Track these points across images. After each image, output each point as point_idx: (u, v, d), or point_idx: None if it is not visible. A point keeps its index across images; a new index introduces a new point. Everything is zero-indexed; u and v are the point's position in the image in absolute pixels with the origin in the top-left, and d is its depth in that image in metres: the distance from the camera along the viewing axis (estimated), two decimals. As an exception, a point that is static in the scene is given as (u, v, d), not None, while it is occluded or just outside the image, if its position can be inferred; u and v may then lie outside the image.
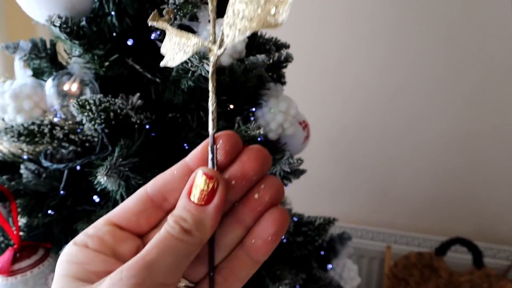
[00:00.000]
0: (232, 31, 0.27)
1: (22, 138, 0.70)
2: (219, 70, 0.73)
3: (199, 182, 0.27)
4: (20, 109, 0.73)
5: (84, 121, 0.65)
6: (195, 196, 0.27)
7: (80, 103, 0.63)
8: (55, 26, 0.61)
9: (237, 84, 0.72)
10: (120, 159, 0.61)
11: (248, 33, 0.26)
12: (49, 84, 0.72)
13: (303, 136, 0.98)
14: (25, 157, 0.75)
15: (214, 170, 0.27)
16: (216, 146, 0.28)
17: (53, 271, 0.67)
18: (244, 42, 0.73)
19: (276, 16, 0.26)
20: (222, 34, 0.28)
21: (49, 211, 0.71)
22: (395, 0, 1.62)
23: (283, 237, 0.92)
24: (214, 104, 0.29)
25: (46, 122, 0.71)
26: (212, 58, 0.29)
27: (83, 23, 0.67)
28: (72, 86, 0.73)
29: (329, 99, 1.81)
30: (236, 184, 0.28)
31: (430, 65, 1.65)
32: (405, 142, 1.77)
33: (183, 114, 0.76)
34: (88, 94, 0.75)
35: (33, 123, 0.70)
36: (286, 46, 0.85)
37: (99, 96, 0.65)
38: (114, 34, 0.70)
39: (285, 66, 0.83)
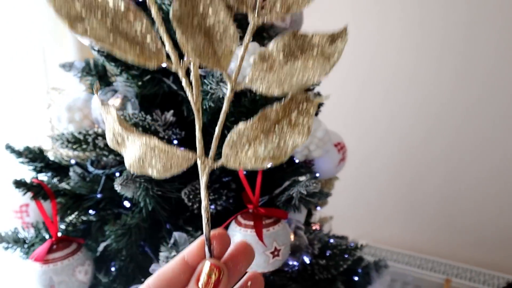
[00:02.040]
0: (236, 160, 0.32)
1: (70, 145, 0.80)
2: (239, 92, 0.76)
3: (207, 271, 0.31)
4: (72, 119, 0.84)
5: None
6: (203, 283, 0.31)
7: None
8: (94, 49, 0.70)
9: (257, 106, 0.75)
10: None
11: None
12: (95, 99, 0.82)
13: (338, 158, 0.97)
14: (73, 162, 0.86)
15: (220, 262, 0.32)
16: (212, 246, 0.32)
17: (81, 264, 0.75)
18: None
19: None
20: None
21: (90, 211, 0.81)
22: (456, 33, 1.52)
23: (307, 258, 0.92)
24: (206, 207, 0.32)
25: (90, 132, 0.81)
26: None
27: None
28: (115, 102, 0.82)
29: (395, 125, 1.75)
30: (229, 274, 0.33)
31: (499, 90, 1.52)
32: (472, 171, 1.64)
33: (209, 132, 0.81)
34: (129, 109, 0.84)
35: (80, 133, 0.80)
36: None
37: (131, 112, 0.73)
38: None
39: (313, 88, 0.84)
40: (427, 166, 1.73)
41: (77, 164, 0.84)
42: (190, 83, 0.31)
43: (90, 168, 0.86)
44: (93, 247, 0.83)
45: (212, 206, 0.80)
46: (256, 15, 0.30)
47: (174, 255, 0.71)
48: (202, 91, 0.72)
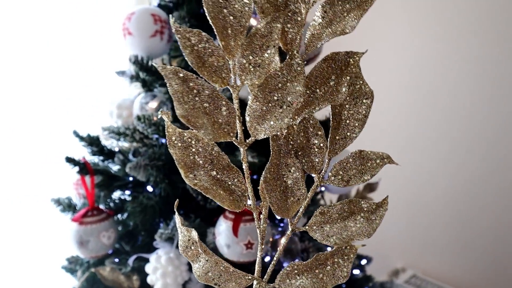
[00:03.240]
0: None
1: (115, 135, 1.00)
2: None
3: None
4: (120, 115, 1.05)
5: (141, 129, 0.90)
6: None
7: (139, 116, 0.89)
8: (130, 61, 0.89)
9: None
10: (148, 160, 0.84)
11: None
12: (137, 100, 1.01)
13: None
14: (117, 149, 1.06)
15: None
16: None
17: (106, 230, 0.94)
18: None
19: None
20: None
21: (119, 190, 1.00)
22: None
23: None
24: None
25: (131, 127, 1.00)
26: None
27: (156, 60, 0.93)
28: (152, 104, 1.00)
29: (454, 155, 1.70)
30: None
31: None
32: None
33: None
34: (164, 111, 1.02)
35: (123, 126, 1.01)
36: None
37: (153, 113, 0.90)
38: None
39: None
40: (484, 204, 1.64)
41: (120, 152, 1.05)
42: (259, 222, 0.41)
43: (130, 157, 1.05)
44: (122, 221, 1.03)
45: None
46: (320, 178, 0.41)
47: (167, 232, 0.85)
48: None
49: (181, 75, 0.37)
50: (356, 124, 0.40)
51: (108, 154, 1.09)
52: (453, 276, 1.75)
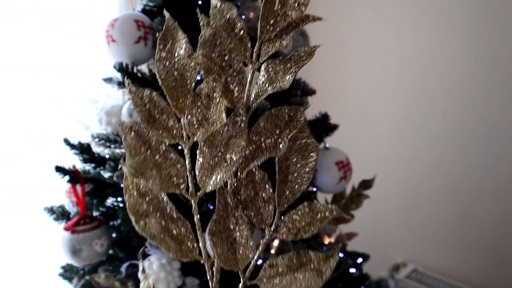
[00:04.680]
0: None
1: (104, 142, 1.00)
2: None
3: None
4: (109, 122, 1.04)
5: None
6: None
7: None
8: (115, 68, 0.88)
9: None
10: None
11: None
12: (125, 106, 1.01)
13: (338, 176, 1.03)
14: (107, 156, 1.06)
15: None
16: None
17: (98, 238, 0.94)
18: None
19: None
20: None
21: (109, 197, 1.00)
22: None
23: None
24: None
25: (120, 133, 1.00)
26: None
27: (141, 67, 0.93)
28: (140, 110, 1.00)
29: (453, 148, 1.69)
30: None
31: None
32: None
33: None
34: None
35: (112, 134, 1.00)
36: (313, 92, 0.94)
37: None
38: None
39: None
40: (482, 197, 1.63)
41: (111, 159, 1.05)
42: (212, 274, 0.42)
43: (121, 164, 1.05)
44: (116, 227, 1.03)
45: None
46: (270, 232, 0.42)
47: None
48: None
49: (135, 130, 0.40)
50: (304, 177, 0.42)
51: (100, 161, 1.09)
52: (454, 270, 1.74)
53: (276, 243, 0.95)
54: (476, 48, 1.58)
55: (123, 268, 0.90)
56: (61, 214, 1.05)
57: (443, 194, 1.75)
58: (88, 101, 1.18)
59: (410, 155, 1.80)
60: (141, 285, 0.88)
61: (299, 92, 0.94)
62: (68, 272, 1.07)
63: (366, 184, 1.30)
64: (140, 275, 0.88)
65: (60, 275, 1.11)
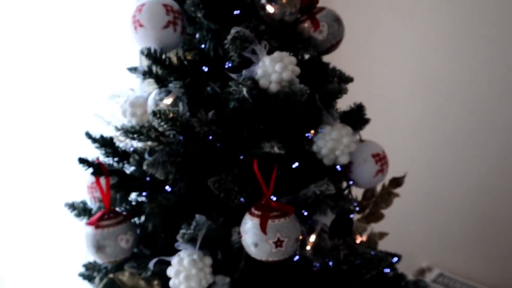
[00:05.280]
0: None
1: (129, 135, 0.96)
2: (266, 96, 0.83)
3: None
4: (134, 114, 1.00)
5: (156, 126, 0.86)
6: None
7: (155, 111, 0.84)
8: (143, 54, 0.84)
9: (280, 111, 0.82)
10: (166, 156, 0.79)
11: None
12: (151, 97, 0.96)
13: (375, 169, 0.97)
14: (131, 149, 1.01)
15: None
16: None
17: (124, 233, 0.89)
18: (292, 72, 0.81)
19: None
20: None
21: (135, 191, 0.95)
22: None
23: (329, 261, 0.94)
24: None
25: (146, 125, 0.95)
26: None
27: (169, 54, 0.89)
28: (167, 100, 0.96)
29: (478, 151, 1.64)
30: None
31: None
32: None
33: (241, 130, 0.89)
34: (180, 107, 0.97)
35: (138, 125, 0.96)
36: (350, 80, 0.89)
37: (169, 109, 0.85)
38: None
39: (339, 97, 0.87)
40: (509, 201, 1.57)
41: (135, 152, 1.00)
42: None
43: (146, 156, 1.00)
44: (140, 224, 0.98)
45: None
46: None
47: (190, 232, 0.80)
48: (228, 92, 0.82)
49: None
50: None
51: (123, 155, 1.04)
52: (482, 274, 1.67)
53: (312, 238, 0.89)
54: (499, 44, 1.53)
55: (151, 264, 0.85)
56: (82, 210, 1.00)
57: (469, 196, 1.69)
58: (109, 96, 1.15)
59: (435, 157, 1.75)
60: (171, 282, 0.83)
61: (336, 79, 0.89)
62: (90, 271, 1.02)
63: (397, 181, 1.24)
64: (169, 271, 0.83)
65: (81, 274, 1.06)
